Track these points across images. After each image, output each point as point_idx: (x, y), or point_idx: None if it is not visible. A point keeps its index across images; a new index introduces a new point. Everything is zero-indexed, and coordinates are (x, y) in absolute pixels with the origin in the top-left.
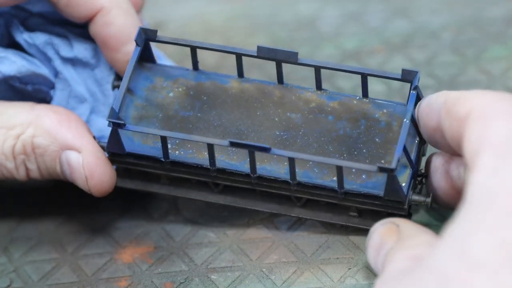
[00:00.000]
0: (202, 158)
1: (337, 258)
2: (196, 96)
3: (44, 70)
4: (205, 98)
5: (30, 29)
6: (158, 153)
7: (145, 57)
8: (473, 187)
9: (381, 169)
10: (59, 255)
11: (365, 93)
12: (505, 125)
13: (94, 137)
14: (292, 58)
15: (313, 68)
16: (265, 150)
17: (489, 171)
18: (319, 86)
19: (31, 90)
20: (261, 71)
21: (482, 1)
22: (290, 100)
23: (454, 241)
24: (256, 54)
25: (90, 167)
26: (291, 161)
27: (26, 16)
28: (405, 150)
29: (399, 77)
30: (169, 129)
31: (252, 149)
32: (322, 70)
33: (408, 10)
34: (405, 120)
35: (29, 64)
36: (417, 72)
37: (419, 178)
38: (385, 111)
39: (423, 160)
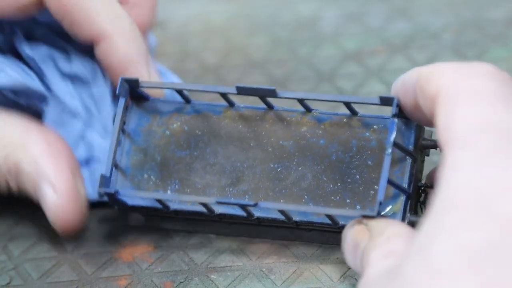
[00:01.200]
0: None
1: (337, 258)
2: (191, 132)
3: (38, 85)
4: (199, 133)
5: (33, 38)
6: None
7: (136, 98)
8: (438, 186)
9: (364, 217)
10: (59, 253)
11: (353, 112)
12: (469, 112)
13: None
14: (271, 93)
15: (311, 70)
16: (252, 205)
17: (451, 169)
18: (308, 110)
19: (23, 103)
20: (263, 71)
21: (483, 2)
22: (281, 127)
23: (419, 247)
24: (236, 92)
25: (59, 211)
26: (282, 211)
27: (31, 25)
28: (390, 182)
29: (378, 102)
30: (167, 174)
31: (240, 206)
32: (323, 68)
33: (409, 11)
34: (386, 152)
35: (25, 77)
36: (393, 98)
37: (422, 188)
38: (375, 127)
39: (426, 158)
